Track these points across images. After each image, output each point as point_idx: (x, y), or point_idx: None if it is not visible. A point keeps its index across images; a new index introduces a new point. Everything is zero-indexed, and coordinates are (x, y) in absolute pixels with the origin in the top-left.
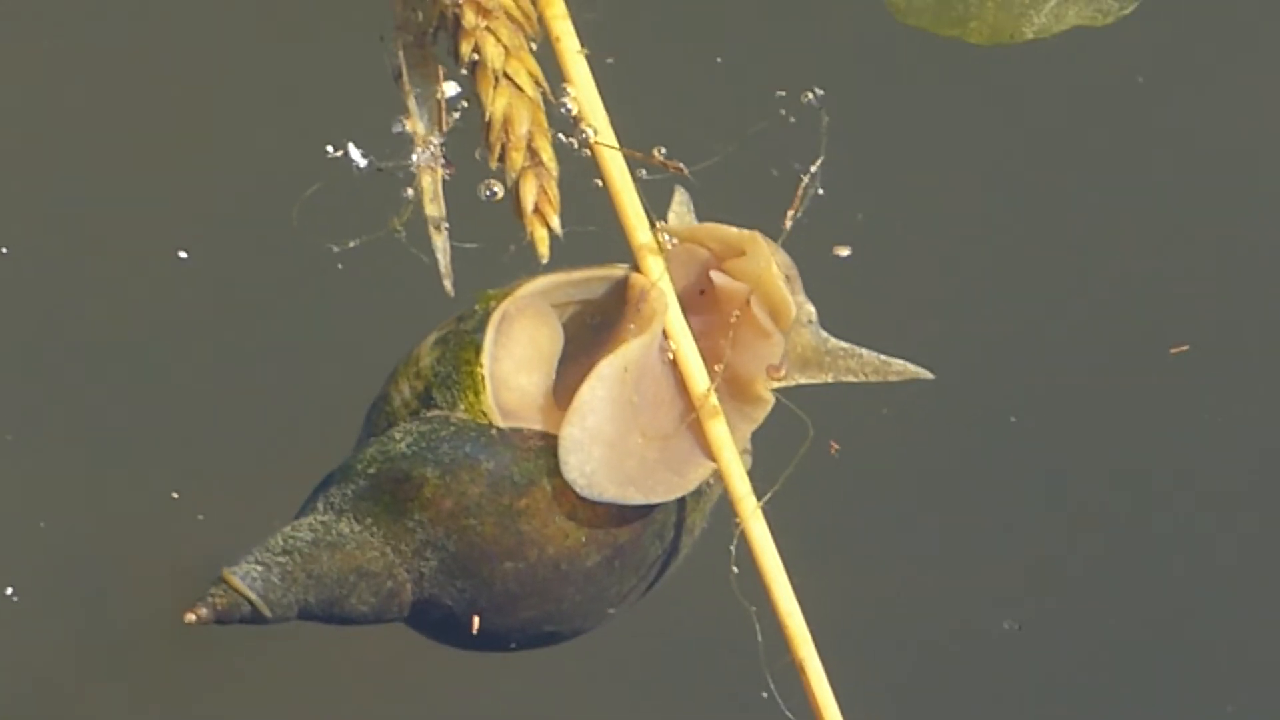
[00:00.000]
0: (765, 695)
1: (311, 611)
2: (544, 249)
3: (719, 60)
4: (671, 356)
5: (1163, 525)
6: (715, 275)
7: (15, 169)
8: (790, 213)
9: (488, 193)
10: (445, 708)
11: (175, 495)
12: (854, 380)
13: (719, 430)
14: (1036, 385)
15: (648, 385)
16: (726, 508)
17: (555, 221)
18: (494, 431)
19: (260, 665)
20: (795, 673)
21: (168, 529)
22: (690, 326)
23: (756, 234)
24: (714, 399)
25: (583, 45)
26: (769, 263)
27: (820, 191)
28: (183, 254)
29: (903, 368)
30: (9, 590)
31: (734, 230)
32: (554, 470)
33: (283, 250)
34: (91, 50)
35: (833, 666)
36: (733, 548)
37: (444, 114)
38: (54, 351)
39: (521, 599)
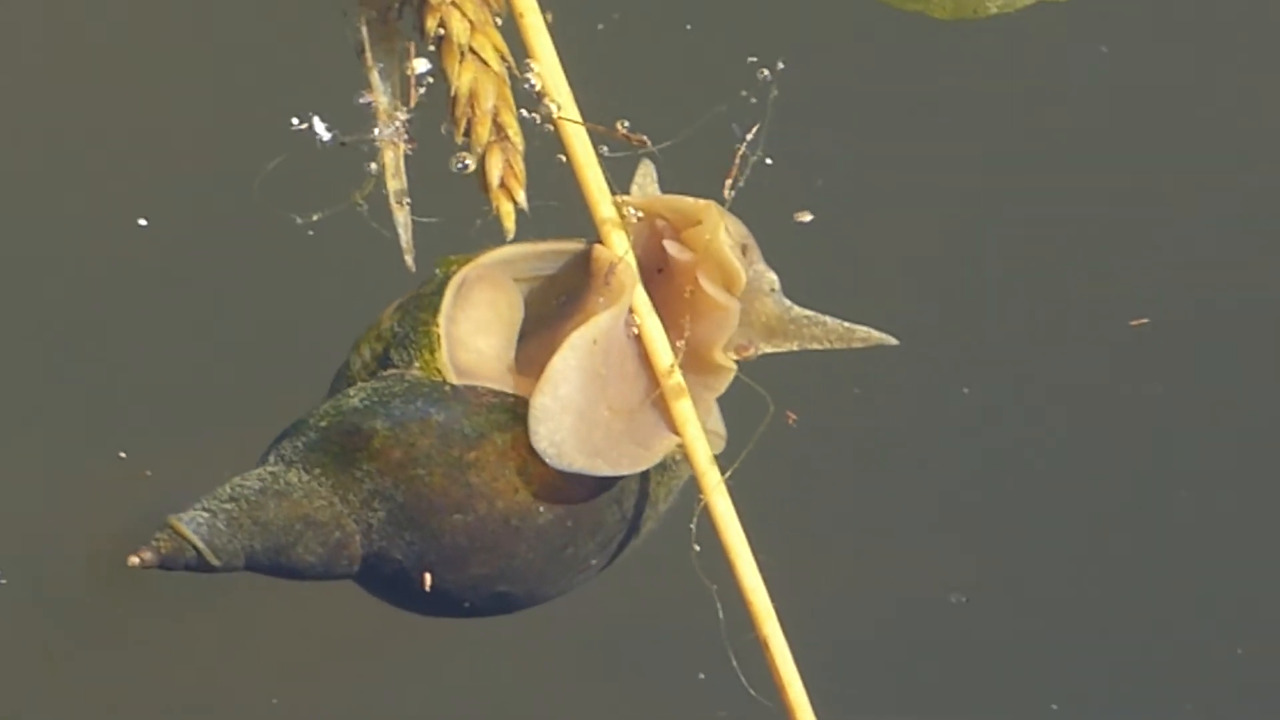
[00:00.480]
0: (731, 671)
1: (258, 560)
2: (510, 224)
3: (687, 28)
4: (636, 331)
5: (1121, 496)
6: (668, 245)
7: None
8: (728, 181)
9: (459, 165)
10: (398, 679)
11: (123, 455)
12: (819, 348)
13: (683, 406)
14: (994, 355)
15: (614, 359)
16: (692, 487)
17: (521, 196)
18: (447, 388)
19: (211, 625)
20: (759, 649)
21: (119, 489)
22: (651, 298)
23: (711, 203)
24: (678, 374)
25: (547, 19)
26: (717, 229)
27: (768, 161)
28: (142, 221)
29: (866, 334)
30: None
31: (689, 200)
32: (505, 426)
33: (245, 222)
34: (54, 16)
35: (796, 643)
36: (693, 525)
37: (414, 90)
38: (11, 315)
39: (471, 553)
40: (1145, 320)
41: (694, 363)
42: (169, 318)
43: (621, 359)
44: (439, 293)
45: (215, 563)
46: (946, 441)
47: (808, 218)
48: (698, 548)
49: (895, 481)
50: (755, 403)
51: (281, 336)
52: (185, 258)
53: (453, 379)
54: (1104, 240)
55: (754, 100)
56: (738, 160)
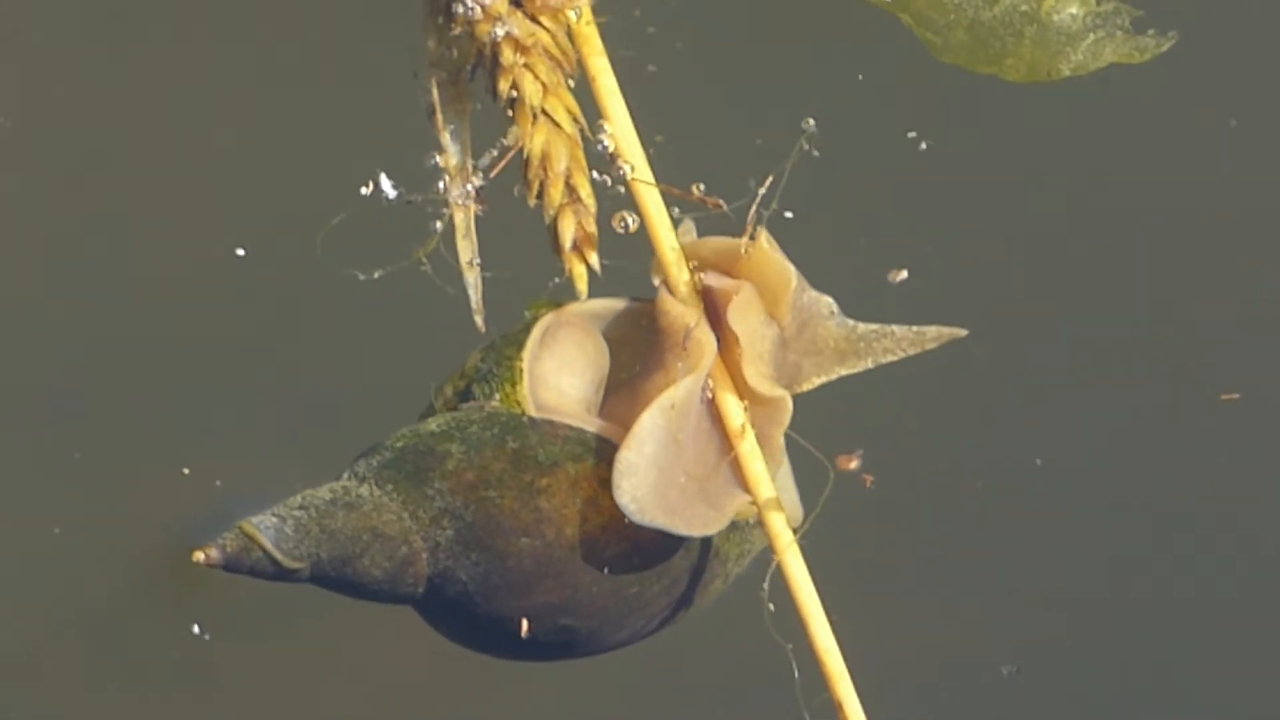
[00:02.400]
0: None
1: (323, 569)
2: (582, 285)
3: (755, 86)
4: (710, 395)
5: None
6: (707, 277)
7: (58, 177)
8: (745, 236)
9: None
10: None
11: (186, 471)
12: (894, 359)
13: (757, 468)
14: (1068, 422)
15: (690, 422)
16: (766, 551)
17: (594, 258)
18: (525, 418)
19: (262, 655)
20: (832, 710)
21: (187, 502)
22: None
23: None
24: (750, 436)
25: (649, 70)
26: (759, 240)
27: (787, 214)
28: (240, 251)
29: (937, 333)
30: (56, 528)
31: (731, 240)
32: (578, 457)
33: (309, 278)
34: (135, 77)
35: (871, 705)
36: (766, 584)
37: (500, 163)
38: (91, 345)
39: (536, 579)
40: (1236, 396)
41: (751, 400)
42: (232, 377)
43: (697, 422)
44: (526, 331)
45: (282, 562)
46: (1025, 504)
47: (903, 276)
48: (772, 607)
49: (972, 542)
50: (828, 459)
51: (351, 380)
52: (255, 313)
53: (531, 411)
54: (1181, 299)
55: (816, 154)
56: (752, 214)
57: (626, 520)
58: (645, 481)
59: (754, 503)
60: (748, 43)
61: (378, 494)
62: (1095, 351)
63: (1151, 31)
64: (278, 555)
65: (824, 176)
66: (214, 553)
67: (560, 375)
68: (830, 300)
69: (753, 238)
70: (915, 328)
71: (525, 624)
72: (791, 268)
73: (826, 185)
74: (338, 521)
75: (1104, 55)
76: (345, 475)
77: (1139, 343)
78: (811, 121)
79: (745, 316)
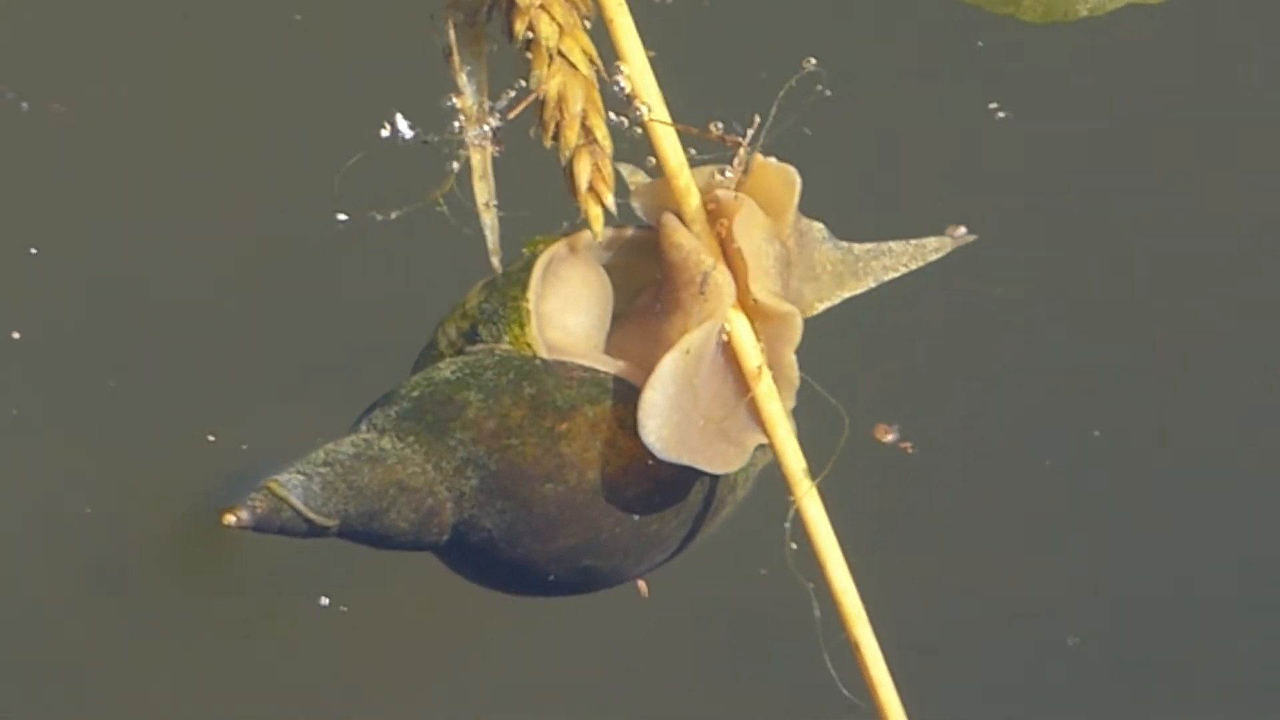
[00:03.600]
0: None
1: (351, 525)
2: (598, 227)
3: (767, 30)
4: (726, 337)
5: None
6: (719, 193)
7: (81, 140)
8: (727, 169)
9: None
10: (477, 663)
11: (211, 438)
12: (895, 276)
13: (773, 409)
14: (1075, 359)
15: (704, 366)
16: (779, 480)
17: (609, 200)
18: (538, 362)
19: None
20: (851, 650)
21: (211, 469)
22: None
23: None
24: (767, 376)
25: (651, 56)
26: (755, 157)
27: (806, 131)
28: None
29: (938, 243)
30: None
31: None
32: (595, 399)
33: (325, 219)
34: (145, 18)
35: (889, 645)
36: (787, 524)
37: (518, 105)
38: (113, 311)
39: (561, 524)
40: None
41: (757, 315)
42: (243, 308)
43: (712, 364)
44: (527, 269)
45: (314, 519)
46: (1047, 440)
47: (962, 230)
48: (794, 546)
49: (991, 483)
50: (854, 403)
51: (361, 327)
52: (266, 249)
53: (543, 353)
54: (1201, 255)
55: (829, 93)
56: (747, 137)
57: (648, 460)
58: (669, 421)
59: (770, 445)
60: None
61: (400, 446)
62: (1130, 309)
63: None
64: (309, 513)
65: (835, 112)
66: (244, 514)
67: (565, 314)
68: (821, 225)
69: (745, 166)
70: (914, 241)
71: (643, 586)
72: (795, 172)
73: (837, 121)
74: (363, 477)
75: None
76: (363, 427)
77: (1174, 299)
78: (813, 61)
79: (749, 231)
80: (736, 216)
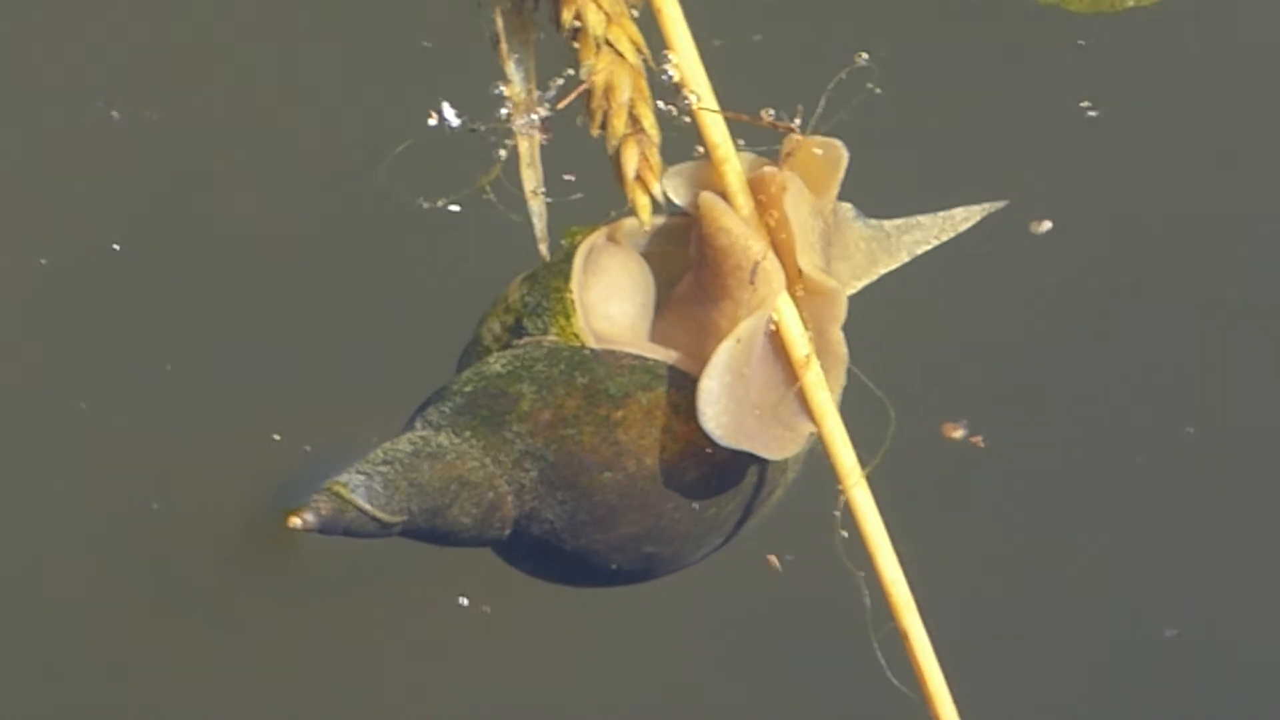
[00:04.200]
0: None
1: (415, 523)
2: (646, 216)
3: (822, 21)
4: (774, 327)
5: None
6: (757, 172)
7: (129, 140)
8: (785, 152)
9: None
10: (532, 650)
11: (276, 437)
12: (928, 248)
13: (822, 398)
14: (1145, 355)
15: (754, 355)
16: (827, 468)
17: (657, 188)
18: (587, 351)
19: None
20: (899, 639)
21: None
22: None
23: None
24: (815, 365)
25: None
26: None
27: (877, 91)
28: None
29: (966, 213)
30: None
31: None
32: (648, 386)
33: (371, 206)
34: (182, 9)
35: (940, 634)
36: (838, 513)
37: (568, 96)
38: (168, 313)
39: (621, 512)
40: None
41: (803, 290)
42: (290, 300)
43: (761, 353)
44: (568, 260)
45: (380, 517)
46: (1090, 435)
47: (1047, 226)
48: (845, 534)
49: (1041, 470)
50: (903, 393)
51: (409, 317)
52: (312, 242)
53: (591, 343)
54: (1237, 236)
55: (879, 91)
56: (790, 139)
57: (703, 444)
58: (726, 409)
59: (819, 434)
60: None
61: (457, 441)
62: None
63: None
64: (375, 511)
65: (890, 102)
66: (309, 516)
67: (609, 303)
68: (849, 204)
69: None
70: (942, 213)
71: (774, 560)
72: (843, 147)
73: (889, 110)
74: (424, 474)
75: None
76: (418, 424)
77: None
78: (865, 55)
79: (799, 205)
80: (787, 193)
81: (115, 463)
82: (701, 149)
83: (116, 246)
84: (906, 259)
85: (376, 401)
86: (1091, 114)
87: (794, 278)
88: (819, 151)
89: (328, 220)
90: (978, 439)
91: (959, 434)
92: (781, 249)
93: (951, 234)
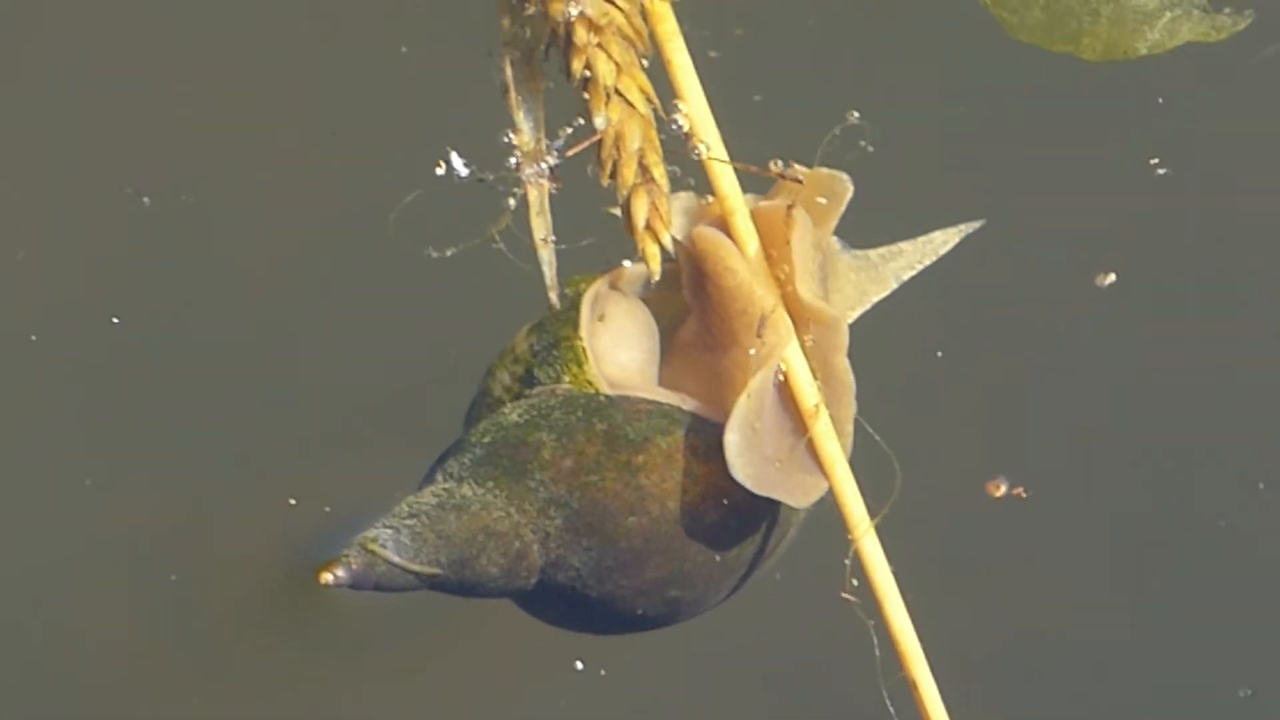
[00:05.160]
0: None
1: (444, 575)
2: (655, 265)
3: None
4: (782, 377)
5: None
6: (759, 204)
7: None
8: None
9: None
10: (542, 703)
11: (293, 501)
12: (914, 273)
13: (831, 448)
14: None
15: (767, 407)
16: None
17: (666, 238)
18: (602, 398)
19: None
20: (909, 688)
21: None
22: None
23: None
24: (824, 415)
25: (695, 66)
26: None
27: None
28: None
29: (944, 236)
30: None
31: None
32: (665, 430)
33: (380, 256)
34: (201, 55)
35: (947, 685)
36: (848, 561)
37: (578, 144)
38: (169, 379)
39: (646, 556)
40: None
41: (806, 322)
42: (299, 354)
43: (774, 404)
44: (574, 308)
45: (412, 569)
46: (1094, 488)
47: (1111, 279)
48: (855, 582)
49: (1048, 519)
50: (914, 444)
51: (415, 368)
52: (319, 291)
53: (605, 390)
54: (1251, 282)
55: (871, 150)
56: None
57: (724, 487)
58: (751, 460)
59: (830, 485)
60: (823, 28)
61: (481, 492)
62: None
63: (1228, 10)
64: (405, 564)
65: (887, 160)
66: (341, 572)
67: (619, 349)
68: (835, 237)
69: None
70: (922, 238)
71: (1000, 488)
72: (848, 179)
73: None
74: (450, 525)
75: (1180, 34)
76: (439, 477)
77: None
78: (856, 114)
79: (803, 238)
80: (795, 227)
81: (125, 537)
82: (711, 199)
83: (116, 319)
84: (894, 286)
85: (390, 458)
86: (1161, 171)
87: (796, 312)
88: (824, 179)
89: (332, 271)
90: (1019, 490)
91: (1001, 491)
92: (784, 282)
93: (933, 258)
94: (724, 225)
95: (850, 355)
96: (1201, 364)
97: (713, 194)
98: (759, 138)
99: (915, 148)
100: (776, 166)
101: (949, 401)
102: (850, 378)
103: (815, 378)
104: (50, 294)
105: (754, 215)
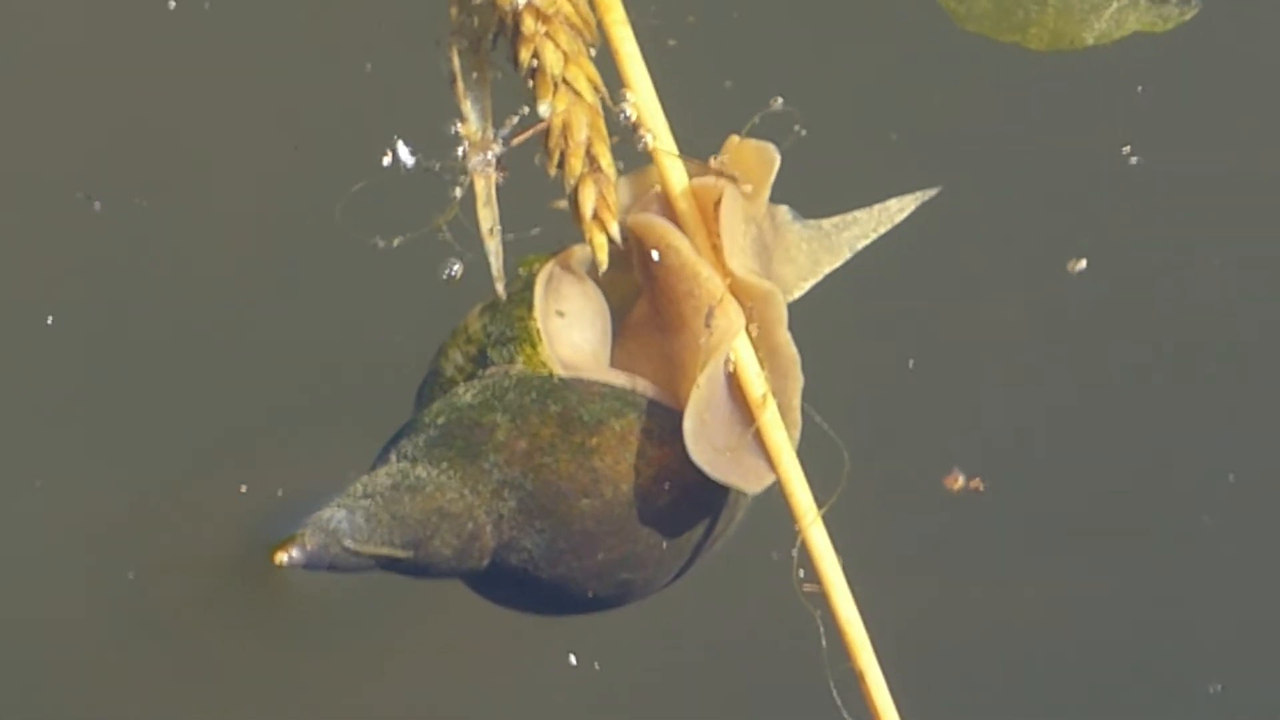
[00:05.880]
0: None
1: (399, 557)
2: (603, 255)
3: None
4: (732, 368)
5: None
6: (690, 182)
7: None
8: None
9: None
10: (495, 684)
11: (244, 488)
12: (868, 242)
13: (778, 438)
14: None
15: (716, 397)
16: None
17: (614, 228)
18: (556, 380)
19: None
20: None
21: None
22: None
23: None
24: (772, 405)
25: (669, 43)
26: (738, 140)
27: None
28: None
29: (900, 204)
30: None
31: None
32: (619, 412)
33: (327, 246)
34: (145, 46)
35: (895, 675)
36: (795, 552)
37: (521, 134)
38: (117, 356)
39: (599, 538)
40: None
41: (740, 295)
42: (250, 343)
43: (723, 393)
44: (528, 289)
45: (365, 550)
46: (1050, 465)
47: (1083, 265)
48: (802, 573)
49: (996, 512)
50: (892, 428)
51: (362, 354)
52: (271, 284)
53: (559, 371)
54: (1194, 277)
55: (804, 133)
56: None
57: (676, 471)
58: (705, 449)
59: (776, 475)
60: (769, 14)
61: (435, 473)
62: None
63: (1174, 0)
64: (358, 548)
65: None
66: (295, 552)
67: (572, 330)
68: (786, 207)
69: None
70: (878, 205)
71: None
72: (774, 149)
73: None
74: (405, 506)
75: (1128, 24)
76: (393, 457)
77: (1149, 318)
78: (780, 100)
79: (732, 213)
80: (722, 202)
81: (77, 534)
82: (658, 188)
83: (50, 319)
84: (849, 255)
85: (339, 441)
86: (1133, 160)
87: (734, 289)
88: (751, 150)
89: (282, 261)
90: (976, 482)
91: (959, 484)
92: (717, 256)
93: (889, 226)
94: (668, 208)
95: (793, 328)
96: (1167, 355)
97: (659, 181)
98: (721, 125)
99: (870, 134)
100: (715, 163)
101: (904, 389)
102: (793, 350)
103: (762, 366)
104: None
105: (688, 194)
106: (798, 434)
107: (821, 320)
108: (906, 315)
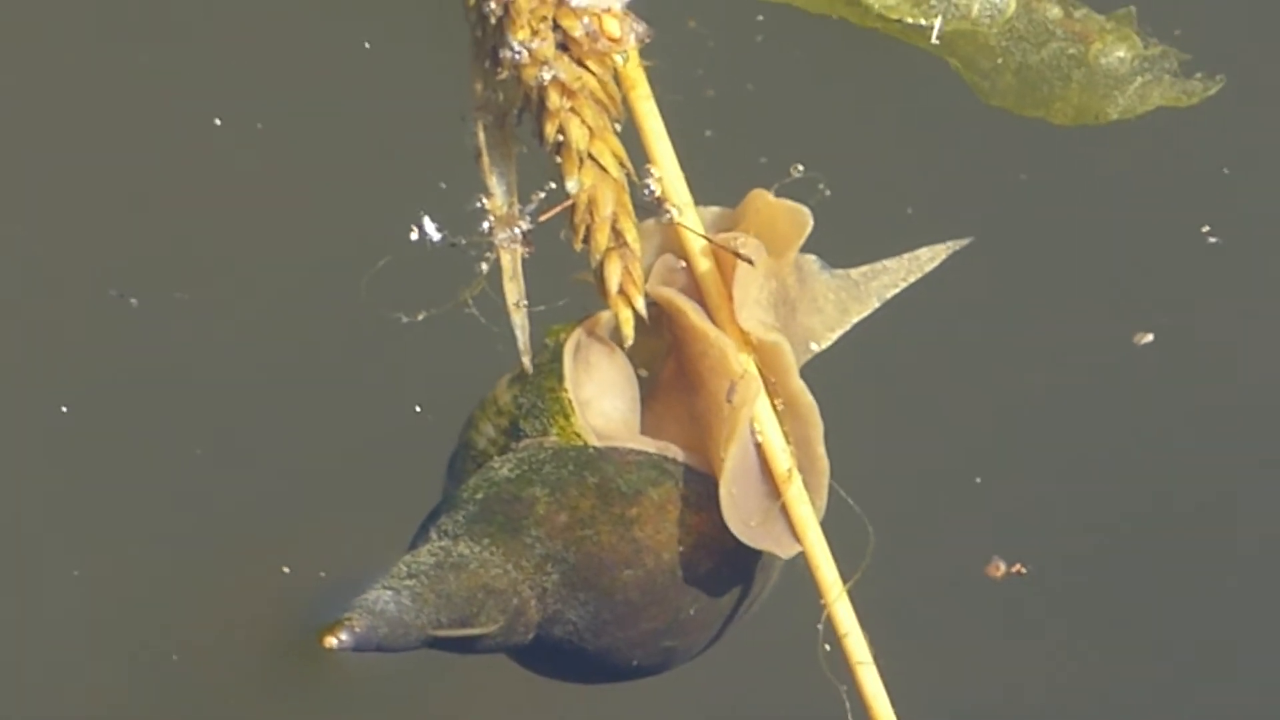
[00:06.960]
0: None
1: (446, 636)
2: (628, 329)
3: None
4: (759, 440)
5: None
6: (715, 237)
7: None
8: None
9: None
10: None
11: (286, 570)
12: (897, 292)
13: (803, 512)
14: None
15: (745, 470)
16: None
17: (640, 303)
18: (591, 450)
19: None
20: None
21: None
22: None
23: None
24: (797, 479)
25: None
26: (761, 196)
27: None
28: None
29: (931, 253)
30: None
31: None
32: (656, 481)
33: (353, 321)
34: (179, 117)
35: None
36: (820, 625)
37: (548, 210)
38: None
39: (643, 608)
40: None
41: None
42: (273, 418)
43: (751, 466)
44: (557, 359)
45: (413, 631)
46: (1074, 543)
47: (1149, 338)
48: (828, 647)
49: (1022, 585)
50: (925, 500)
51: (389, 429)
52: (292, 357)
53: (593, 441)
54: (1218, 346)
55: (829, 193)
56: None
57: (714, 537)
58: (739, 517)
59: (802, 549)
60: (797, 91)
61: (478, 550)
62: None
63: (1199, 75)
64: (408, 626)
65: (842, 216)
66: (344, 635)
67: (603, 399)
68: (814, 256)
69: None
70: (908, 255)
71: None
72: (808, 213)
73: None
74: (450, 584)
75: (1151, 99)
76: (433, 535)
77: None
78: (800, 167)
79: (748, 272)
80: (738, 268)
81: (120, 624)
82: (683, 263)
83: (64, 409)
84: (877, 304)
85: (372, 519)
86: (1211, 240)
87: (736, 335)
88: (783, 210)
89: (307, 338)
90: (1019, 567)
91: (1001, 571)
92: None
93: (918, 275)
94: (689, 271)
95: (806, 377)
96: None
97: (684, 256)
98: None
99: (892, 204)
100: (733, 243)
101: (933, 464)
102: (809, 398)
103: (783, 418)
104: (14, 377)
105: (708, 252)
106: (826, 481)
107: (874, 393)
108: (928, 379)
